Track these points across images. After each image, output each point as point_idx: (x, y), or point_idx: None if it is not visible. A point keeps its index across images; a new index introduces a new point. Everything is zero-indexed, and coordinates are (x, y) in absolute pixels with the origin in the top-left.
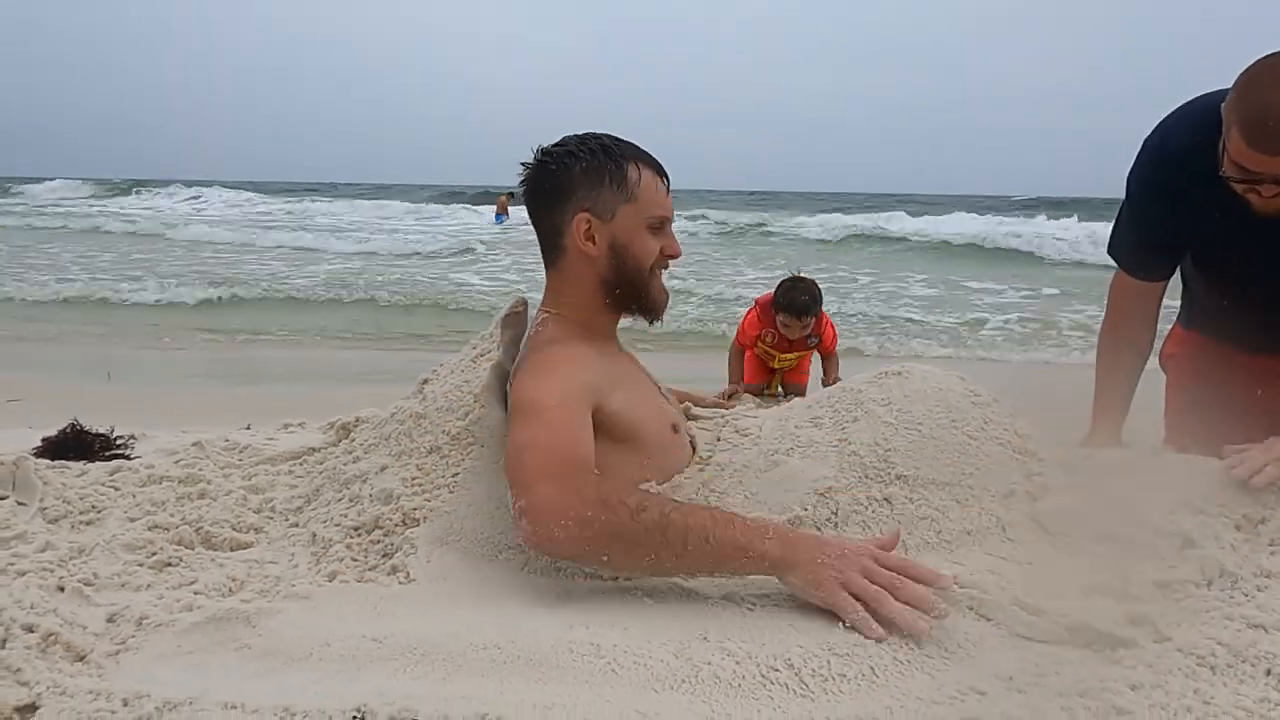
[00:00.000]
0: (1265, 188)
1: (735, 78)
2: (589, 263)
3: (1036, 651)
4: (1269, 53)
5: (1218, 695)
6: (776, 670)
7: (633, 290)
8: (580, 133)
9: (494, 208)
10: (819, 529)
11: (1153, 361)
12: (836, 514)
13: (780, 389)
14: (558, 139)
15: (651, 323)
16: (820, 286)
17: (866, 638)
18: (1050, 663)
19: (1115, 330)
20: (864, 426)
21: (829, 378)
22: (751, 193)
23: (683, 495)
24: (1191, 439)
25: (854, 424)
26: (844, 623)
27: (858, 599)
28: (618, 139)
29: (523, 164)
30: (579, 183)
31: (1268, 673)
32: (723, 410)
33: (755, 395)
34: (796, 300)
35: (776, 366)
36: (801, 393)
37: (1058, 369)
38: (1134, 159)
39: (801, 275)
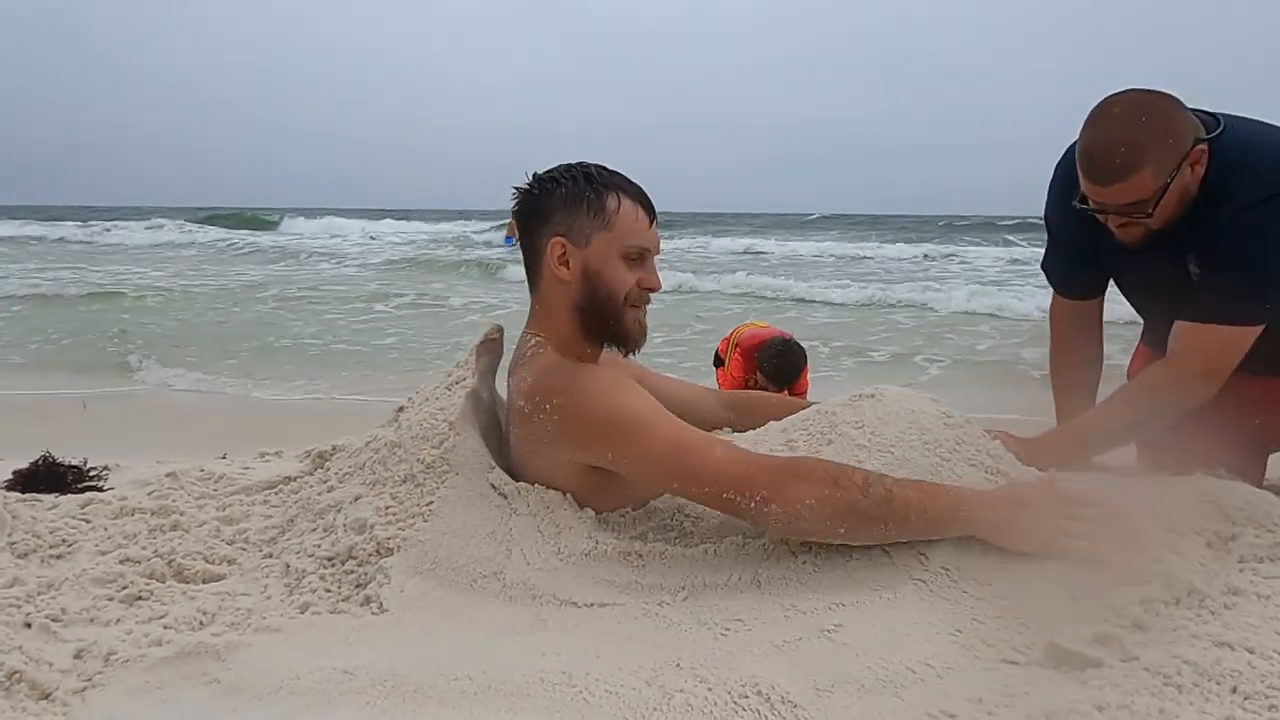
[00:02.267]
0: (1111, 218)
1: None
2: (563, 288)
3: (1005, 673)
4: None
5: (1183, 714)
6: (746, 697)
7: (605, 319)
8: (573, 161)
9: (504, 230)
10: (794, 554)
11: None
12: None
13: None
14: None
15: (626, 354)
16: (803, 348)
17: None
18: (1020, 684)
19: (1062, 349)
20: (837, 449)
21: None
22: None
23: (656, 520)
24: (1161, 456)
25: (828, 446)
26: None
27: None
28: (606, 169)
29: (514, 187)
30: (557, 207)
31: (1233, 690)
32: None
33: None
34: (782, 372)
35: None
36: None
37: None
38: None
39: (789, 340)
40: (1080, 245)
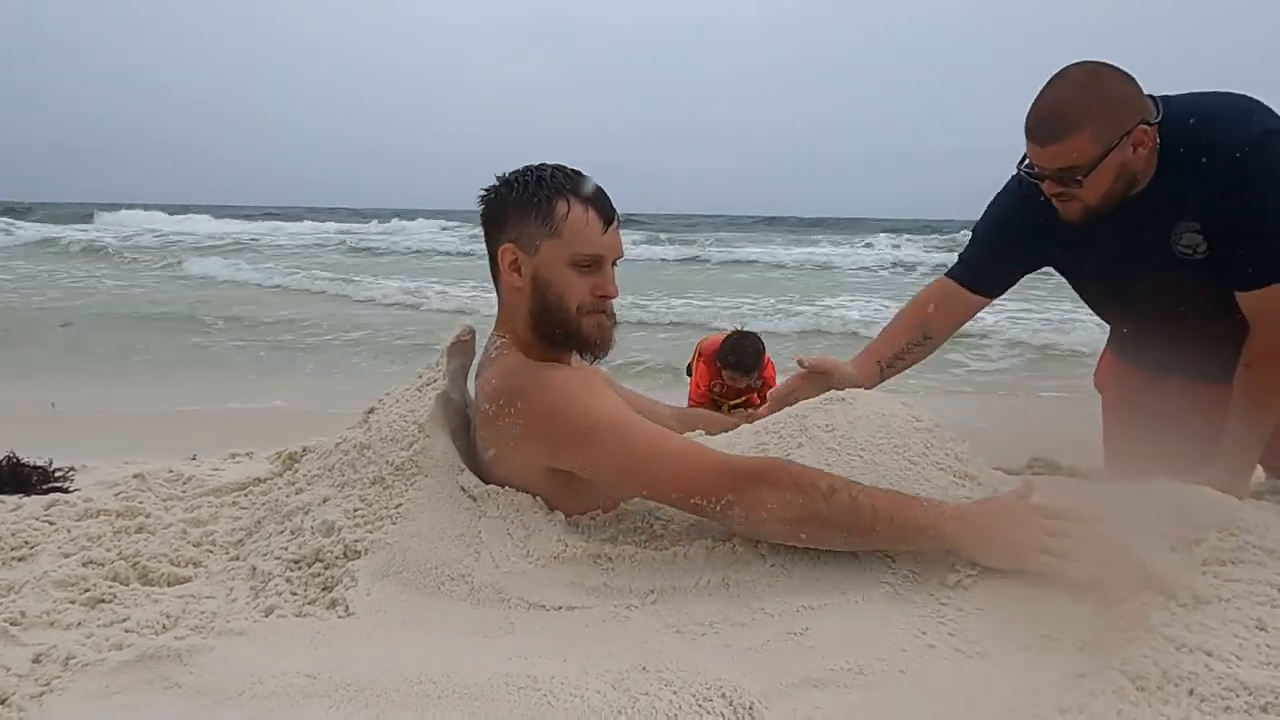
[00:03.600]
0: (1047, 186)
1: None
2: (519, 294)
3: (971, 675)
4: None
5: (1141, 715)
6: (711, 700)
7: (559, 327)
8: (534, 164)
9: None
10: (762, 558)
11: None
12: None
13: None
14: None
15: (593, 360)
16: (760, 337)
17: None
18: (984, 686)
19: (915, 308)
20: (808, 452)
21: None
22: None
23: (626, 523)
24: (1130, 462)
25: (798, 450)
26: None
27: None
28: (564, 172)
29: (481, 190)
30: (510, 213)
31: (1190, 693)
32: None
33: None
34: (744, 359)
35: (726, 413)
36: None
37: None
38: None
39: (746, 330)
40: (1019, 230)
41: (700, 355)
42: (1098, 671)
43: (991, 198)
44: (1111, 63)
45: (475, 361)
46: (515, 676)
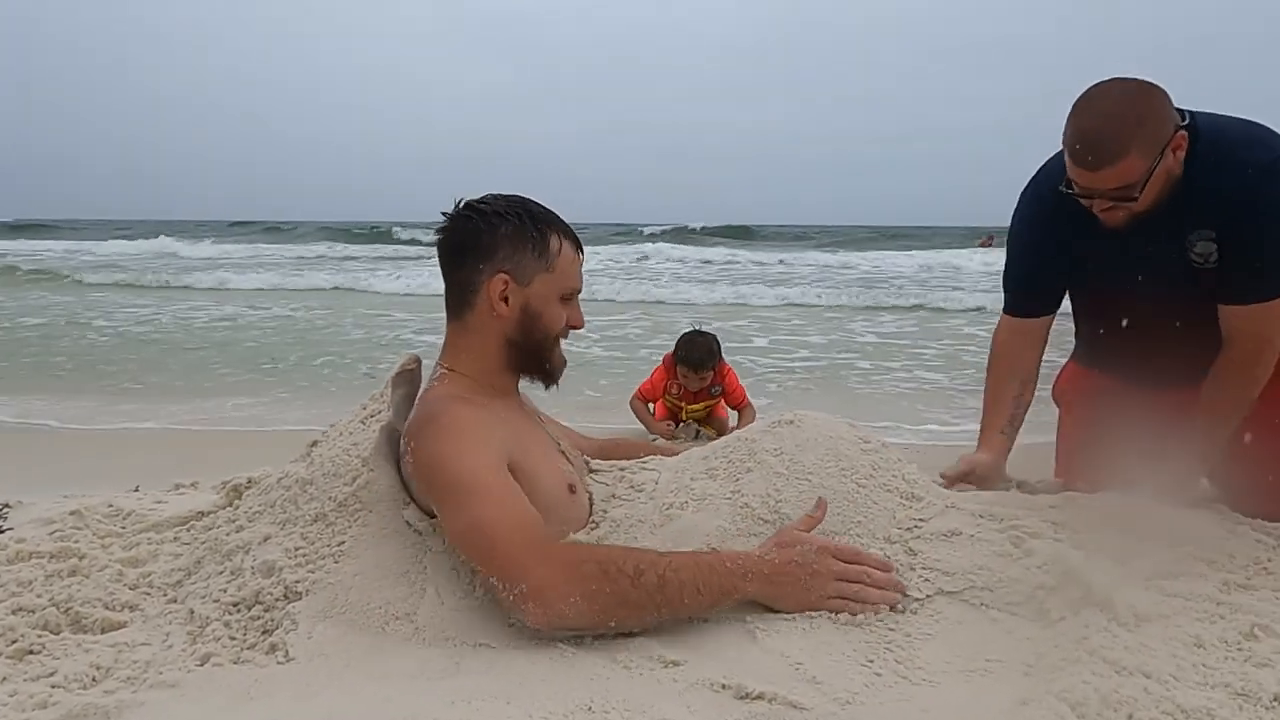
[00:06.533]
0: (1098, 202)
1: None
2: (498, 321)
3: (916, 700)
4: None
5: None
6: None
7: (535, 355)
8: (505, 194)
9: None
10: None
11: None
12: None
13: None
14: (481, 195)
15: (547, 387)
16: (719, 340)
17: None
18: (920, 715)
19: (998, 362)
20: (756, 477)
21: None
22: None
23: None
24: (1083, 473)
25: (747, 474)
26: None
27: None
28: (543, 206)
29: (444, 214)
30: (502, 244)
31: (1129, 718)
32: (622, 465)
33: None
34: (692, 355)
35: (685, 419)
36: (724, 429)
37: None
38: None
39: (700, 329)
40: (1050, 247)
41: (664, 358)
42: (1039, 698)
43: (1013, 220)
44: (1134, 76)
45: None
46: None
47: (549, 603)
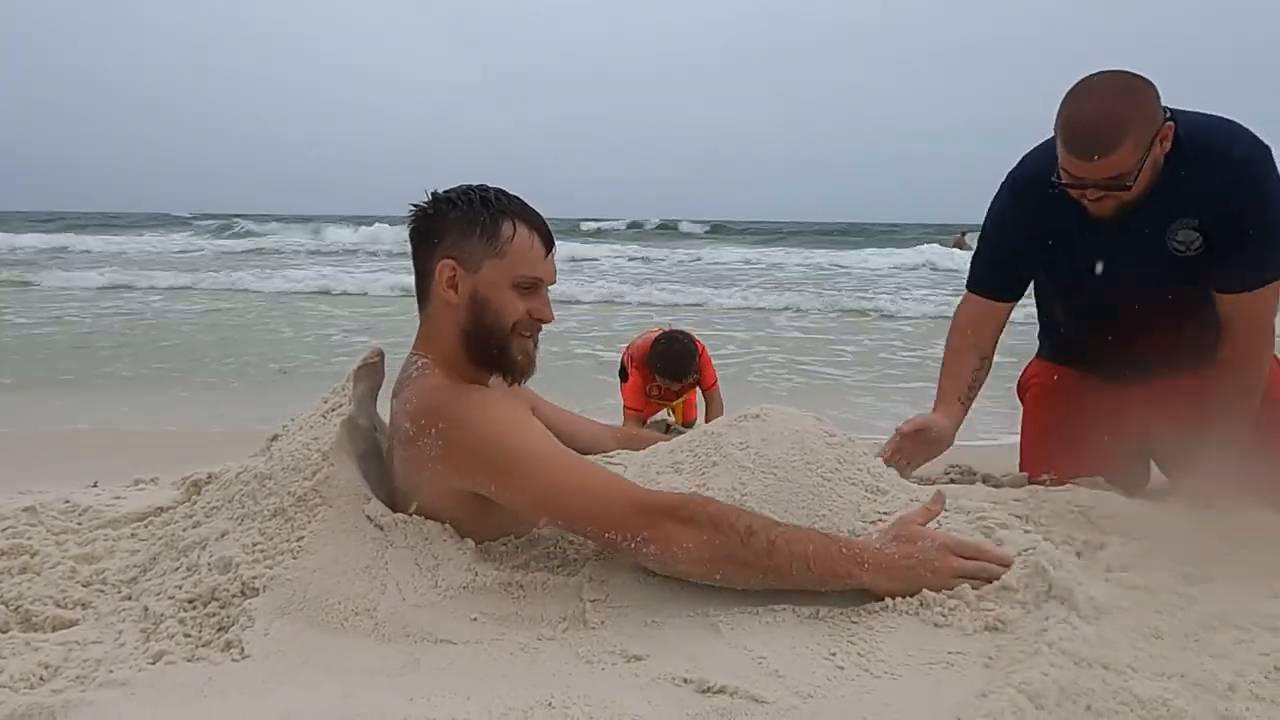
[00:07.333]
0: (1090, 191)
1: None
2: (451, 311)
3: (878, 694)
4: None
5: None
6: None
7: (490, 346)
8: (475, 184)
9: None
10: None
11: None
12: None
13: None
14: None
15: (512, 384)
16: (690, 335)
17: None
18: (881, 708)
19: (960, 335)
20: (722, 471)
21: (710, 418)
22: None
23: (538, 548)
24: (1046, 464)
25: (713, 468)
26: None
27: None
28: (508, 195)
29: (412, 205)
30: (450, 229)
31: (1088, 708)
32: (590, 459)
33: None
34: (672, 364)
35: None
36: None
37: None
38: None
39: (673, 331)
40: (1023, 236)
41: (632, 360)
42: (998, 690)
43: (991, 205)
44: (1123, 69)
45: (386, 384)
46: (416, 719)
47: (665, 545)
